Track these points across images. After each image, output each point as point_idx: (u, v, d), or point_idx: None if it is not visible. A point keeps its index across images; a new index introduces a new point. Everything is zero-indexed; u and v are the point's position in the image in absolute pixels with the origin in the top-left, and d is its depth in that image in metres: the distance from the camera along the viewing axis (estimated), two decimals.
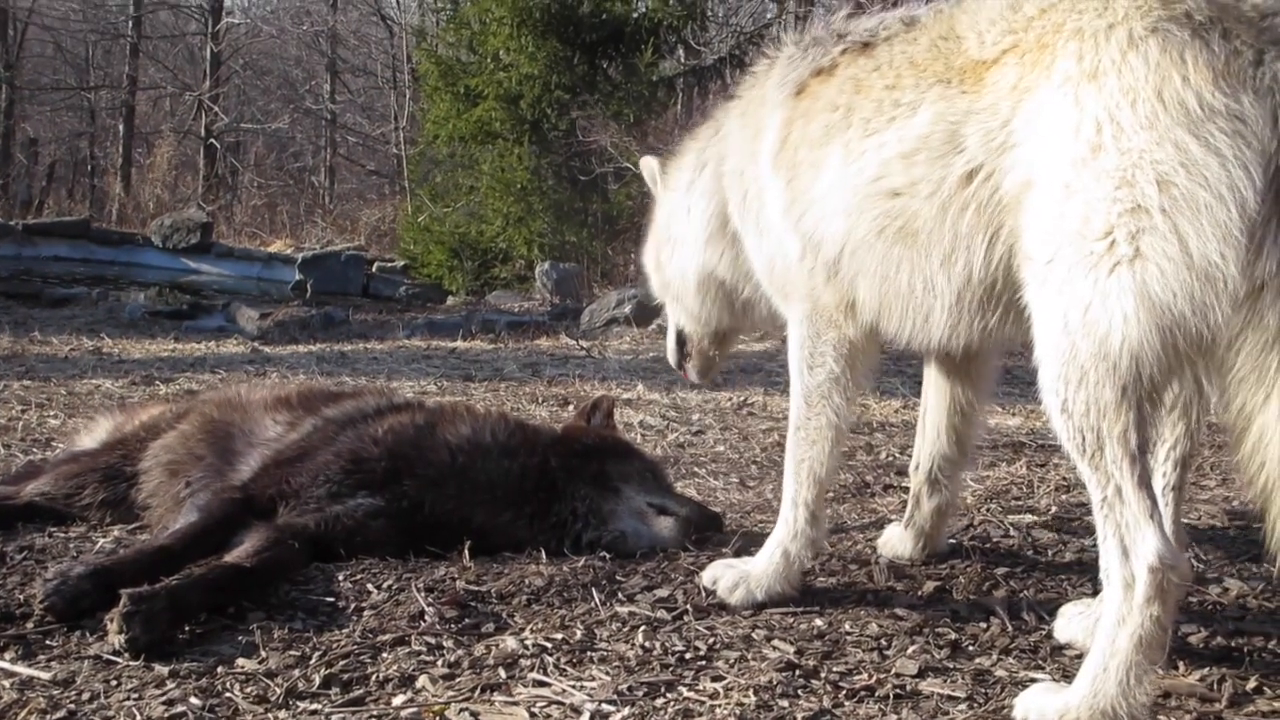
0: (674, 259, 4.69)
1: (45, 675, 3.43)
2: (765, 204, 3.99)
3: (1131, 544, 3.04)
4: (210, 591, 3.83)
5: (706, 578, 4.12)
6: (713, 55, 22.39)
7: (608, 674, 3.43)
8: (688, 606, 3.95)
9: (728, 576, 4.03)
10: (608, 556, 4.46)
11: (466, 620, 3.83)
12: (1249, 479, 3.02)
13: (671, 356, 5.15)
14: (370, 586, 4.09)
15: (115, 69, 39.60)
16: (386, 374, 9.35)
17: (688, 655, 3.57)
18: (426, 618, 3.82)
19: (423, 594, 3.99)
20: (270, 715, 3.19)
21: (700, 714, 3.19)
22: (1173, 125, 2.93)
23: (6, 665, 3.51)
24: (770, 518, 5.05)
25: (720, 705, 3.23)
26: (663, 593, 4.08)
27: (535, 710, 3.21)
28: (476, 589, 4.07)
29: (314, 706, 3.24)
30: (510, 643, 3.64)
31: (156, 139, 36.78)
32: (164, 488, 4.82)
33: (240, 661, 3.53)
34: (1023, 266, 3.26)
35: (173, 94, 39.96)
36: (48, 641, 3.68)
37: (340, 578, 4.17)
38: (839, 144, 3.68)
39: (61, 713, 3.21)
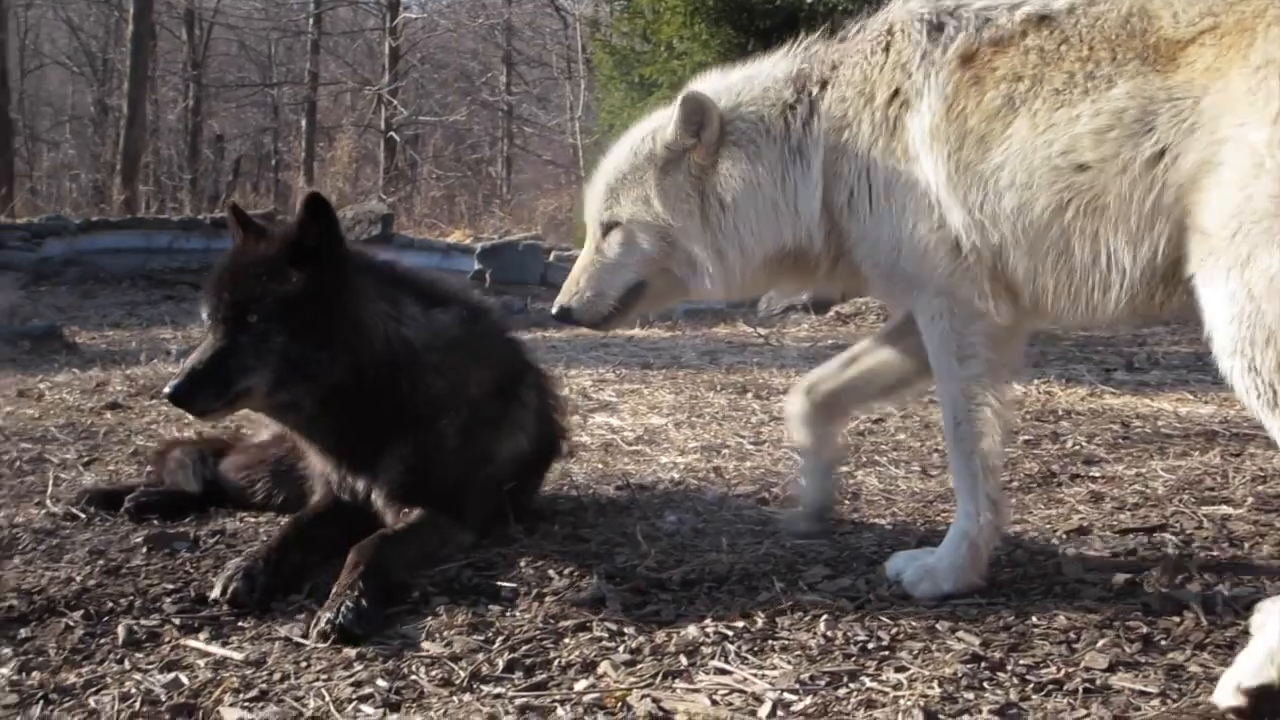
0: (749, 218, 4.08)
1: (238, 655, 3.52)
2: (909, 183, 3.86)
3: None
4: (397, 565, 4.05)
5: (890, 569, 4.06)
6: None
7: (789, 662, 3.40)
8: (870, 596, 3.91)
9: (912, 569, 3.97)
10: (787, 545, 4.44)
11: (648, 607, 3.84)
12: None
13: (611, 303, 4.25)
14: (552, 572, 4.12)
15: (297, 65, 40.63)
16: (565, 362, 9.39)
17: (870, 645, 3.52)
18: (608, 604, 3.84)
19: (604, 580, 4.01)
20: (455, 698, 3.23)
21: (883, 704, 3.15)
22: None
23: (201, 645, 3.61)
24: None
25: (904, 696, 3.18)
26: (845, 582, 4.04)
27: (717, 698, 3.19)
28: (657, 576, 4.08)
29: (497, 690, 3.27)
30: (691, 630, 3.63)
31: (337, 133, 37.55)
32: None
33: (425, 645, 3.58)
34: (1194, 240, 3.34)
35: (353, 89, 40.84)
36: (239, 623, 3.78)
37: (522, 564, 4.21)
38: (1024, 115, 3.62)
39: (254, 692, 3.29)
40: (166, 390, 4.21)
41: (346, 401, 4.30)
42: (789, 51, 4.19)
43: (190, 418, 4.58)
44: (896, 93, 3.89)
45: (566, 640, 3.59)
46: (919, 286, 3.90)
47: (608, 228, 4.18)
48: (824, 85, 4.04)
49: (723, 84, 4.19)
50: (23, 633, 3.73)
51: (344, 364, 4.27)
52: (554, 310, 4.25)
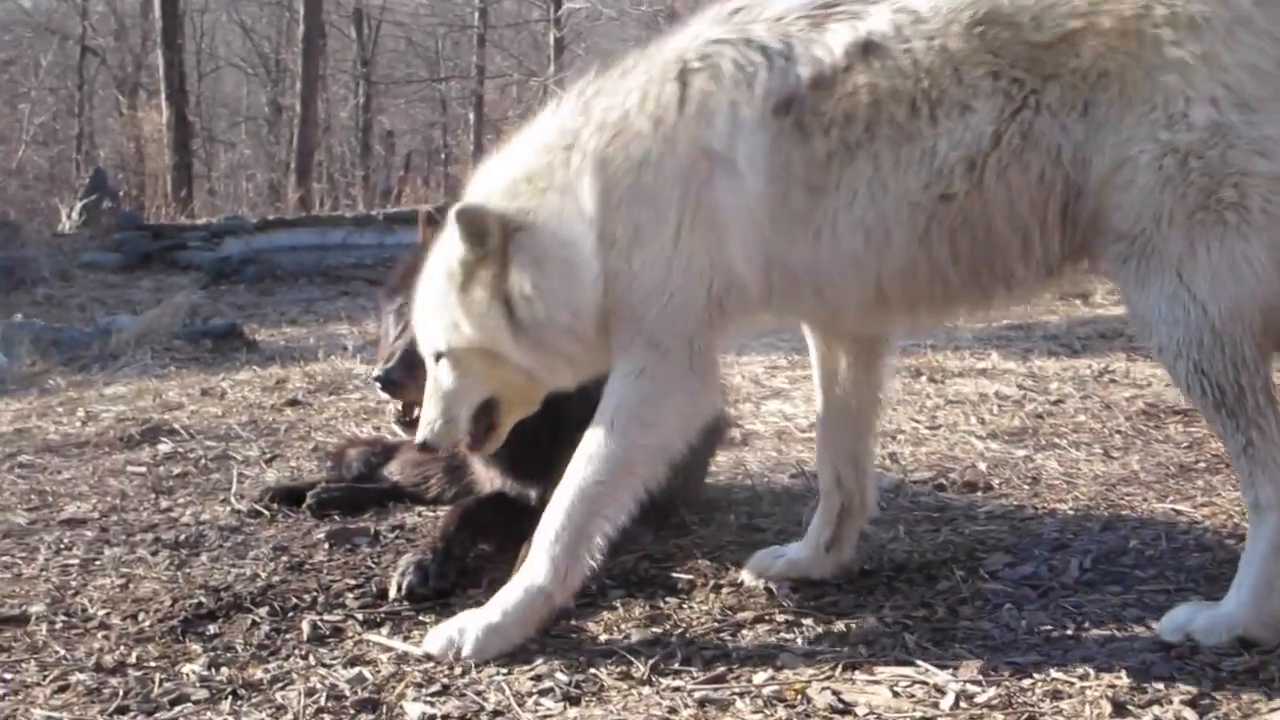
0: (561, 297, 3.69)
1: (419, 650, 3.56)
2: (701, 238, 3.52)
3: None
4: None
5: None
6: None
7: (972, 653, 3.35)
8: (1054, 583, 3.83)
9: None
10: (966, 532, 4.37)
11: (825, 598, 3.81)
12: None
13: (464, 427, 3.96)
14: (729, 563, 4.11)
15: (464, 59, 41.09)
16: (737, 349, 9.34)
17: (1055, 634, 3.46)
18: (784, 594, 3.82)
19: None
20: (635, 691, 3.23)
21: (1070, 695, 3.08)
22: None
23: (383, 640, 3.67)
24: (1137, 489, 4.88)
25: (1091, 687, 3.11)
26: (1027, 569, 3.97)
27: (898, 689, 3.16)
28: None
29: (677, 683, 3.26)
30: (870, 620, 3.60)
31: (505, 125, 37.92)
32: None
33: (604, 638, 3.59)
34: (1111, 244, 3.29)
35: (519, 81, 41.15)
36: (420, 617, 3.83)
37: (698, 555, 4.22)
38: (864, 158, 3.38)
39: (435, 686, 3.32)
40: (377, 373, 4.29)
41: None
42: (567, 98, 3.79)
43: (386, 399, 4.54)
44: (703, 153, 3.53)
45: (744, 632, 3.59)
46: (664, 334, 3.60)
47: (436, 357, 3.88)
48: (601, 131, 3.62)
49: (503, 170, 3.82)
50: (211, 629, 3.83)
51: None
52: (417, 443, 4.01)
